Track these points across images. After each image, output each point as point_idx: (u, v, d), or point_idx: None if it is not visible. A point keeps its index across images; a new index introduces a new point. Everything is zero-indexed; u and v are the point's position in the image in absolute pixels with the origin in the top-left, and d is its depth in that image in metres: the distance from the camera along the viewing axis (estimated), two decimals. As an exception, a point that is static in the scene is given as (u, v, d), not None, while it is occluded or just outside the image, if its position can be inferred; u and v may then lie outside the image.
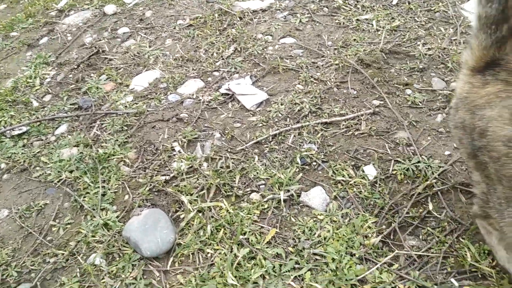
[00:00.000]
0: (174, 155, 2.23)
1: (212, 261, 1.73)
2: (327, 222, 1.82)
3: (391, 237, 1.75)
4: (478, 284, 1.56)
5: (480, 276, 1.58)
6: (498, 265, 1.58)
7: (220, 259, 1.72)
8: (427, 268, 1.63)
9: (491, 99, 1.34)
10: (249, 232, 1.83)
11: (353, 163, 2.05)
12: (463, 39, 2.57)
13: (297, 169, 2.06)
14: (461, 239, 1.69)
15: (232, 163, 2.14)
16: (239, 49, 2.89)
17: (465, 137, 1.46)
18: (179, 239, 1.82)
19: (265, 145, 2.22)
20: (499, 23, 1.36)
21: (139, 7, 3.56)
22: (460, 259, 1.63)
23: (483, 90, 1.37)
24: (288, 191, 1.95)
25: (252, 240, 1.79)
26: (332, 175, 2.01)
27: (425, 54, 2.56)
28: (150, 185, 2.07)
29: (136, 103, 2.59)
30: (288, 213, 1.89)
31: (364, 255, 1.69)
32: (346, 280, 1.60)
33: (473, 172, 1.53)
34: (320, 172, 2.05)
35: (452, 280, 1.58)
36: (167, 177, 2.10)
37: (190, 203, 1.96)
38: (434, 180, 1.89)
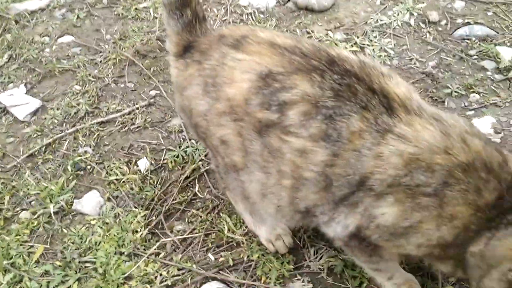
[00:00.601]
0: None
1: (-30, 297, 1.63)
2: (99, 226, 1.81)
3: (160, 226, 1.81)
4: (233, 252, 1.70)
5: (235, 244, 1.73)
6: (250, 231, 1.74)
7: (-20, 292, 1.63)
8: (190, 249, 1.72)
9: (190, 80, 1.43)
10: (16, 255, 1.74)
11: (127, 159, 2.06)
12: (232, 18, 2.70)
13: (71, 177, 2.01)
14: (221, 214, 1.81)
15: (2, 183, 2.01)
16: (14, 56, 2.67)
17: (185, 118, 1.55)
18: None
19: (39, 157, 2.11)
20: (181, 9, 1.44)
21: None
22: (220, 233, 1.76)
23: (186, 73, 1.45)
24: (59, 202, 1.90)
25: (18, 263, 1.71)
26: (105, 176, 2.00)
27: (199, 37, 2.64)
28: None
29: None
30: (60, 226, 1.84)
31: (133, 251, 1.72)
32: (113, 281, 1.63)
33: (207, 149, 1.64)
34: (95, 175, 2.02)
35: (210, 255, 1.70)
36: None
37: (-49, 240, 1.80)
38: (201, 162, 1.99)
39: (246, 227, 1.75)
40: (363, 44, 2.39)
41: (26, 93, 2.43)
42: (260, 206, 1.42)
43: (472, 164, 1.10)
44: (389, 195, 1.15)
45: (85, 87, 2.42)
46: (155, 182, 1.96)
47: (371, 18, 2.54)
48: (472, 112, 2.01)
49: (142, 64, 2.48)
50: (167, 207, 1.85)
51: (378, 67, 1.25)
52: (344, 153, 1.16)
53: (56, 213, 1.87)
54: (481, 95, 2.08)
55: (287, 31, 2.51)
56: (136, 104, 2.30)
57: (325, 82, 1.19)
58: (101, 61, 2.57)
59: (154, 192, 1.91)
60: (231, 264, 1.66)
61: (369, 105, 1.16)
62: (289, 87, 1.21)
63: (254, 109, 1.25)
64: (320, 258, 1.66)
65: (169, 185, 1.94)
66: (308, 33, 2.47)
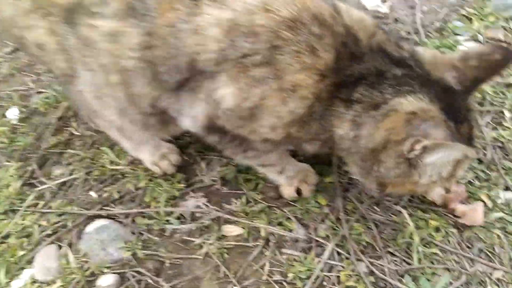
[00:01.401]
0: None
1: None
2: (-30, 192, 1.61)
3: (35, 175, 1.61)
4: (118, 185, 1.53)
5: (120, 176, 1.56)
6: (135, 159, 1.57)
7: None
8: (70, 192, 1.55)
9: None
10: None
11: (-6, 112, 1.83)
12: None
13: None
14: (101, 148, 1.63)
15: None
16: None
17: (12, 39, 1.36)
18: None
19: None
20: None
21: None
22: (102, 168, 1.58)
23: None
24: None
25: None
26: (-29, 136, 1.76)
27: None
28: None
29: None
30: None
31: (10, 207, 1.52)
32: (-12, 244, 1.45)
33: None
34: (-40, 137, 1.78)
35: (92, 193, 1.53)
36: None
37: None
38: (75, 98, 1.78)
39: (131, 156, 1.58)
40: None
41: None
42: (102, 114, 1.25)
43: (298, 18, 0.94)
44: (221, 74, 0.99)
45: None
46: (28, 130, 1.74)
47: None
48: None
49: None
50: (41, 153, 1.66)
51: None
52: (159, 30, 0.98)
53: None
54: None
55: None
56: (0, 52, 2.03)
57: None
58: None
59: (27, 141, 1.70)
60: (117, 198, 1.49)
61: None
62: None
63: None
64: (213, 170, 1.52)
65: (43, 130, 1.73)
66: None
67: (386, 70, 1.00)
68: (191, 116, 1.11)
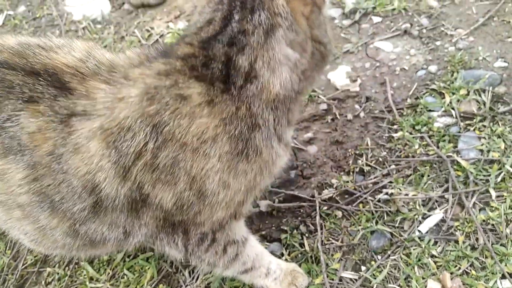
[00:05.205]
0: None
1: None
2: None
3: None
4: (99, 305, 1.46)
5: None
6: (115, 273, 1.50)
7: None
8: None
9: None
10: None
11: (-31, 232, 1.76)
12: (68, 37, 2.42)
13: None
14: (80, 263, 1.55)
15: None
16: None
17: None
18: None
19: None
20: None
21: None
22: (82, 286, 1.50)
23: None
24: None
25: None
26: None
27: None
28: None
29: None
30: None
31: None
32: None
33: None
34: None
35: (74, 316, 1.45)
36: None
37: None
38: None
39: (112, 269, 1.51)
40: (211, 27, 2.19)
41: None
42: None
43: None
44: (137, 183, 0.96)
45: None
46: (4, 248, 1.67)
47: (215, -3, 2.34)
48: (328, 67, 1.87)
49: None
50: (18, 274, 1.58)
51: (45, 43, 1.04)
52: (41, 160, 0.95)
53: None
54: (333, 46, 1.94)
55: (127, 35, 2.26)
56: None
57: None
58: None
59: (3, 261, 1.63)
60: (98, 321, 1.42)
61: (34, 94, 0.94)
62: None
63: None
64: (197, 279, 1.45)
65: (19, 247, 1.66)
66: (148, 31, 2.23)
67: None
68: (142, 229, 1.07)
